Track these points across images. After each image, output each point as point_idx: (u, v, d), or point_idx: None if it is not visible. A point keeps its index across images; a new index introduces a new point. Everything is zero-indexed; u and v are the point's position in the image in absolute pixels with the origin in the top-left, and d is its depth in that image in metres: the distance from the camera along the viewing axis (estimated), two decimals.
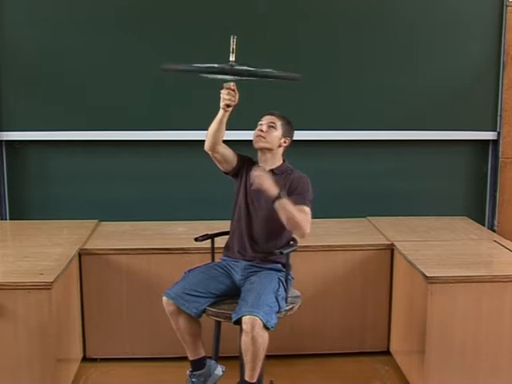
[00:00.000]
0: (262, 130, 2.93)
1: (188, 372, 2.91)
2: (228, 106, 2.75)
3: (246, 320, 2.58)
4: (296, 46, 4.04)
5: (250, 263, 2.93)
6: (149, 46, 4.00)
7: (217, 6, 4.00)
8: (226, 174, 3.02)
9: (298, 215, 2.75)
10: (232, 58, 2.67)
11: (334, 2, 4.09)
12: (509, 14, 4.12)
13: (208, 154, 2.93)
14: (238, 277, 2.93)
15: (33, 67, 4.00)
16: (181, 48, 3.98)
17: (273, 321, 2.64)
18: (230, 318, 2.68)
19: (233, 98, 2.74)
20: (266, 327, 2.60)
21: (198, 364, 2.88)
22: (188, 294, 2.76)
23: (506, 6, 4.11)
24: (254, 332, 2.57)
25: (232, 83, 2.74)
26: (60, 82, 4.01)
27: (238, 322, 2.63)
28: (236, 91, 2.76)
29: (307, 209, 2.83)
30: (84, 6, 3.97)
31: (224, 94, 2.74)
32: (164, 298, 2.78)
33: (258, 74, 2.70)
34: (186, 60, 2.70)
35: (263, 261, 2.92)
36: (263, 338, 2.60)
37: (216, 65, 2.68)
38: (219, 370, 2.94)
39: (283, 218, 2.74)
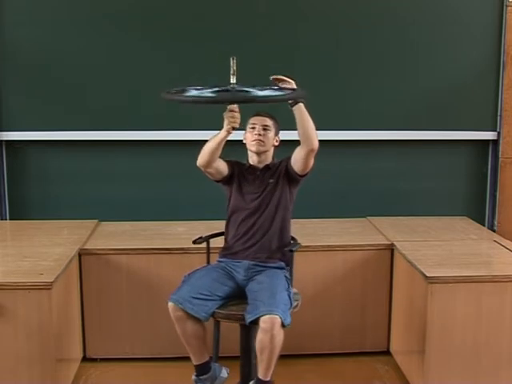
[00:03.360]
0: (259, 134, 2.92)
1: (193, 377, 2.86)
2: (233, 128, 2.74)
3: (266, 319, 2.58)
4: (296, 45, 4.04)
5: (253, 263, 2.92)
6: (149, 46, 4.01)
7: (217, 5, 4.00)
8: (217, 181, 3.00)
9: (313, 124, 2.76)
10: (233, 80, 2.64)
11: (334, 2, 4.09)
12: (509, 14, 4.12)
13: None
14: (240, 277, 2.92)
15: (33, 67, 4.00)
16: (181, 48, 3.99)
17: (288, 318, 2.66)
18: (242, 319, 2.68)
19: (237, 120, 2.74)
20: (282, 325, 2.61)
21: (204, 368, 2.85)
22: (195, 297, 2.72)
23: (506, 5, 4.11)
24: (274, 331, 2.58)
25: (235, 105, 2.73)
26: (60, 81, 4.01)
27: (255, 321, 2.62)
28: (239, 112, 2.75)
29: None
30: (84, 6, 3.97)
31: (229, 117, 2.72)
32: (171, 304, 2.71)
33: (258, 99, 2.65)
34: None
35: (268, 259, 2.92)
36: (280, 336, 2.62)
37: (217, 88, 2.66)
38: (224, 373, 2.93)
39: (300, 123, 2.75)
